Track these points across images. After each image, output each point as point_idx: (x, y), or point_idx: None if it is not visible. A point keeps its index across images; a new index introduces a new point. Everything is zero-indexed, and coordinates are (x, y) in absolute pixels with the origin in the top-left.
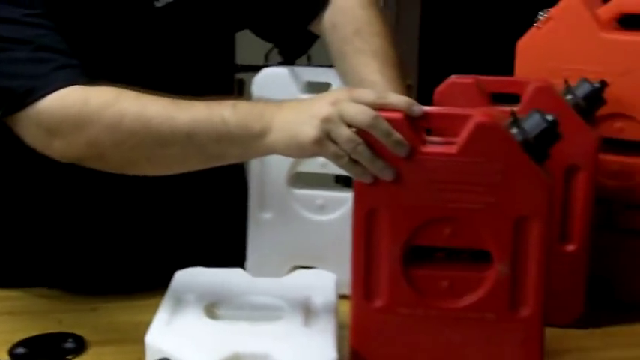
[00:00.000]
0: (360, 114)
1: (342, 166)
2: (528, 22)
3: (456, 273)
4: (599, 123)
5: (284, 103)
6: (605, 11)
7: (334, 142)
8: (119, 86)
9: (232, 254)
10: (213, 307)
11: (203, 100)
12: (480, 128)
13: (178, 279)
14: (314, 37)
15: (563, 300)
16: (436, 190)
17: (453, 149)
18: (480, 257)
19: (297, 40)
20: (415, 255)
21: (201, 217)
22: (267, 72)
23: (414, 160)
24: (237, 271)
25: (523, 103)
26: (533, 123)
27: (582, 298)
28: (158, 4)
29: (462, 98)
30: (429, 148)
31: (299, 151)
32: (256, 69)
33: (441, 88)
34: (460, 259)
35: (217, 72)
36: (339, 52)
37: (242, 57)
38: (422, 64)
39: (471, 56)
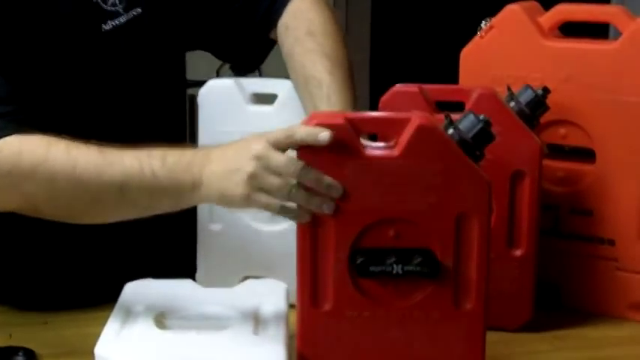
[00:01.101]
0: (288, 166)
1: (277, 214)
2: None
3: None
4: (543, 129)
5: (211, 153)
6: (547, 19)
7: (266, 192)
8: (56, 124)
9: (182, 266)
10: (163, 317)
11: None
12: (420, 131)
13: (128, 291)
14: (266, 51)
15: (512, 304)
16: (379, 192)
17: (394, 152)
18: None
19: (250, 55)
20: (365, 259)
21: (151, 229)
22: (213, 84)
23: (357, 164)
24: (187, 282)
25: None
26: (468, 124)
27: (531, 302)
28: (106, 28)
29: (406, 107)
30: (372, 152)
31: (231, 205)
32: None
33: (385, 97)
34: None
35: (168, 89)
36: (290, 51)
37: (193, 73)
38: (373, 73)
39: (421, 64)
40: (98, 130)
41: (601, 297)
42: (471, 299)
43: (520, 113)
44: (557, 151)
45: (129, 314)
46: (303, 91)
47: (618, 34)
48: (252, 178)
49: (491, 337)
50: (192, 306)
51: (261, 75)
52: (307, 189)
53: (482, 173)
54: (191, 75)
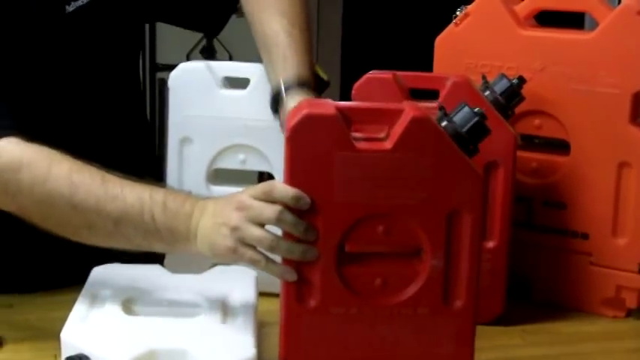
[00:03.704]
0: (267, 211)
1: (262, 269)
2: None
3: (389, 270)
4: (517, 120)
5: (206, 207)
6: (522, 8)
7: (250, 245)
8: (49, 132)
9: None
10: (131, 303)
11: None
12: (414, 123)
13: (95, 275)
14: (230, 14)
15: (484, 298)
16: (370, 186)
17: (387, 145)
18: (412, 252)
19: (214, 20)
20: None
21: None
22: (184, 67)
23: (347, 156)
24: (155, 267)
25: (441, 99)
26: (463, 116)
27: (503, 296)
28: (69, 9)
29: (380, 94)
30: (363, 144)
31: (220, 258)
32: None
33: (359, 83)
34: (393, 255)
35: (131, 66)
36: (250, 11)
37: (163, 57)
38: (344, 60)
39: (394, 52)
40: (62, 114)
41: (573, 292)
42: (461, 297)
43: (495, 103)
44: (531, 142)
45: (95, 299)
46: (261, 49)
47: (594, 24)
48: (235, 229)
49: None
50: (160, 292)
51: (231, 59)
52: (289, 237)
53: (475, 168)
54: (161, 59)
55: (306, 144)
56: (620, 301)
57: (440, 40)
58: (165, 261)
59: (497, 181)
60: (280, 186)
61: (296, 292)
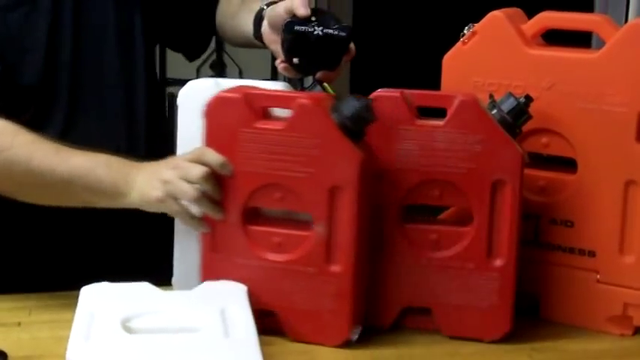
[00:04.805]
0: (195, 169)
1: (183, 222)
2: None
3: (285, 231)
4: (525, 138)
5: (145, 165)
6: (530, 26)
7: (177, 199)
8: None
9: (159, 269)
10: (129, 321)
11: None
12: (301, 109)
13: (86, 295)
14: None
15: (492, 316)
16: (267, 159)
17: (281, 125)
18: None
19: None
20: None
21: (128, 232)
22: (193, 84)
23: (249, 133)
24: (145, 285)
25: (448, 118)
26: (348, 105)
27: (511, 314)
28: None
29: (388, 112)
30: (262, 124)
31: (150, 207)
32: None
33: None
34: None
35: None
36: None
37: (173, 71)
38: (352, 78)
39: (402, 70)
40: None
41: (580, 309)
42: (340, 262)
43: (502, 121)
44: (539, 160)
45: (93, 318)
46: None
47: (601, 42)
48: (166, 183)
49: (468, 347)
50: (156, 309)
51: (241, 73)
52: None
53: (355, 150)
54: (171, 73)
55: (217, 120)
56: (628, 319)
57: (447, 59)
58: (174, 279)
59: (505, 199)
60: (210, 151)
61: (211, 243)
